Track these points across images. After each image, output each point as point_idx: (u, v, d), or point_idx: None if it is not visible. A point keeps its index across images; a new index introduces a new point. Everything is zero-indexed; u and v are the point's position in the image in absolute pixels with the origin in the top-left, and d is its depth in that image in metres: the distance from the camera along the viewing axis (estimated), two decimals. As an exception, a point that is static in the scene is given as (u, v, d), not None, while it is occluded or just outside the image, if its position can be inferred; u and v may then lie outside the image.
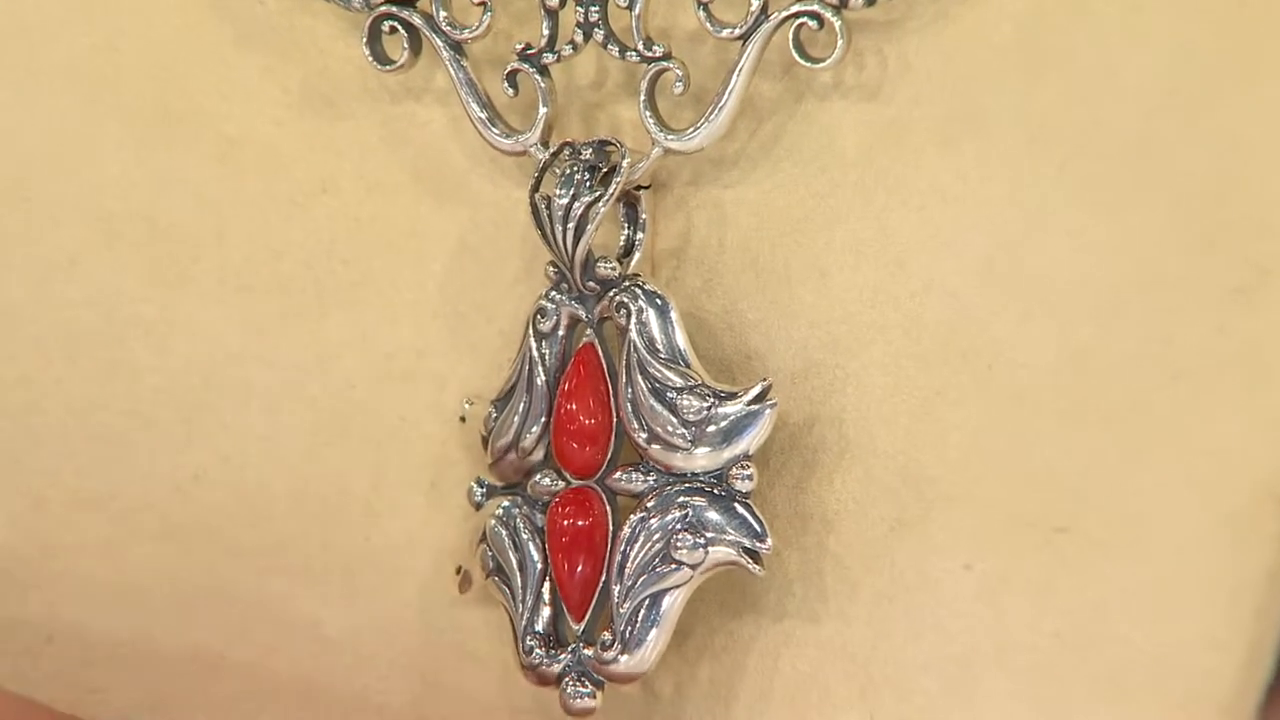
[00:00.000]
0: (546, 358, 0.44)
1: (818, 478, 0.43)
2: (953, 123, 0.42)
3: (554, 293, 0.44)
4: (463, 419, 0.45)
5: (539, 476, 0.44)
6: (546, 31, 0.44)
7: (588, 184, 0.43)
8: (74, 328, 0.48)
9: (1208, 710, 0.40)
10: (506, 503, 0.45)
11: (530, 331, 0.44)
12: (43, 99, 0.47)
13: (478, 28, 0.44)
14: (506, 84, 0.44)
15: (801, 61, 0.42)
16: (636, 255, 0.44)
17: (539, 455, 0.44)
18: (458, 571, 0.45)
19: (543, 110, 0.44)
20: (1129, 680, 0.41)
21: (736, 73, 0.42)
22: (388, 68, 0.44)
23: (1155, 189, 0.40)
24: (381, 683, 0.47)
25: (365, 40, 0.44)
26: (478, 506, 0.45)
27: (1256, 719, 0.40)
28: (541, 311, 0.44)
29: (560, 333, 0.44)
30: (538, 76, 0.44)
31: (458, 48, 0.44)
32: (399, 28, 0.44)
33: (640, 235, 0.44)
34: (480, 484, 0.45)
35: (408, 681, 0.47)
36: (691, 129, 0.43)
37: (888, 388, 0.42)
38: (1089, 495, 0.41)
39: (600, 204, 0.42)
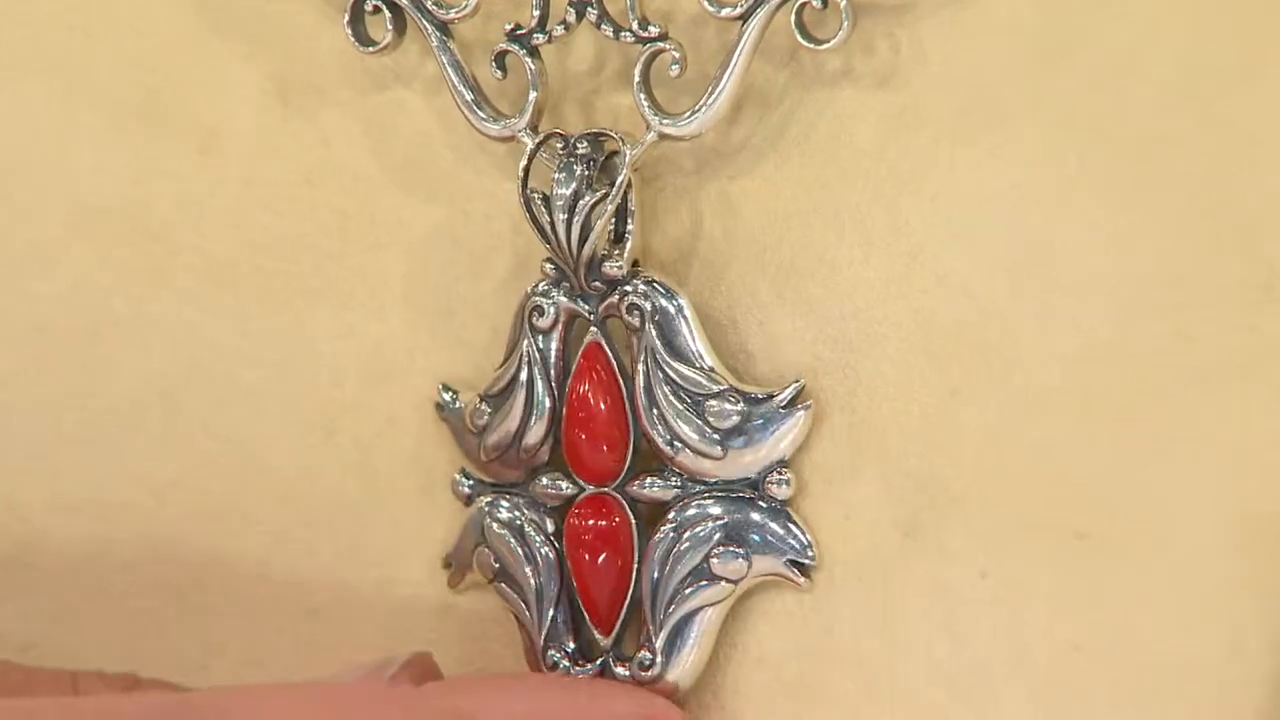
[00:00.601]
0: (546, 355, 0.43)
1: (826, 480, 0.42)
2: (968, 111, 0.41)
3: (551, 289, 0.43)
4: (439, 406, 0.44)
5: (542, 477, 0.43)
6: (537, 11, 0.42)
7: (588, 179, 0.41)
8: (48, 325, 0.47)
9: (1235, 723, 0.40)
10: (505, 503, 0.44)
11: (526, 329, 0.43)
12: (14, 88, 0.47)
13: (465, 7, 0.43)
14: (495, 66, 0.43)
15: (805, 43, 0.41)
16: (628, 245, 0.42)
17: (544, 455, 0.43)
18: (447, 565, 0.45)
19: (533, 94, 0.43)
20: (1151, 691, 0.40)
21: (736, 54, 0.41)
22: (370, 49, 0.43)
23: (1178, 182, 0.40)
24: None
25: (347, 20, 0.43)
26: (467, 500, 0.44)
27: (1284, 729, 0.40)
28: (538, 309, 0.43)
29: (558, 329, 0.43)
30: (528, 59, 0.43)
31: (444, 28, 0.43)
32: (382, 6, 0.43)
33: (630, 225, 0.42)
34: (467, 476, 0.44)
35: None
36: (689, 113, 0.42)
37: (900, 386, 0.42)
38: (1109, 499, 0.40)
39: (608, 201, 0.41)
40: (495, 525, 0.43)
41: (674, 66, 0.41)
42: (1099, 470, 0.40)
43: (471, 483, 0.44)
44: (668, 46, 0.41)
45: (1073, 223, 0.40)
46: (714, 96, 0.41)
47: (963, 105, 0.41)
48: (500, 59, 0.43)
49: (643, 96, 0.42)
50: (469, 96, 0.43)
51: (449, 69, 0.43)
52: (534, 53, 0.43)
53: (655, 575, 0.42)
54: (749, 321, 0.43)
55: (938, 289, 0.41)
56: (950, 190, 0.41)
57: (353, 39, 0.43)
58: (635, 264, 0.42)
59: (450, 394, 0.44)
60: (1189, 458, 0.40)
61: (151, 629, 0.47)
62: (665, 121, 0.41)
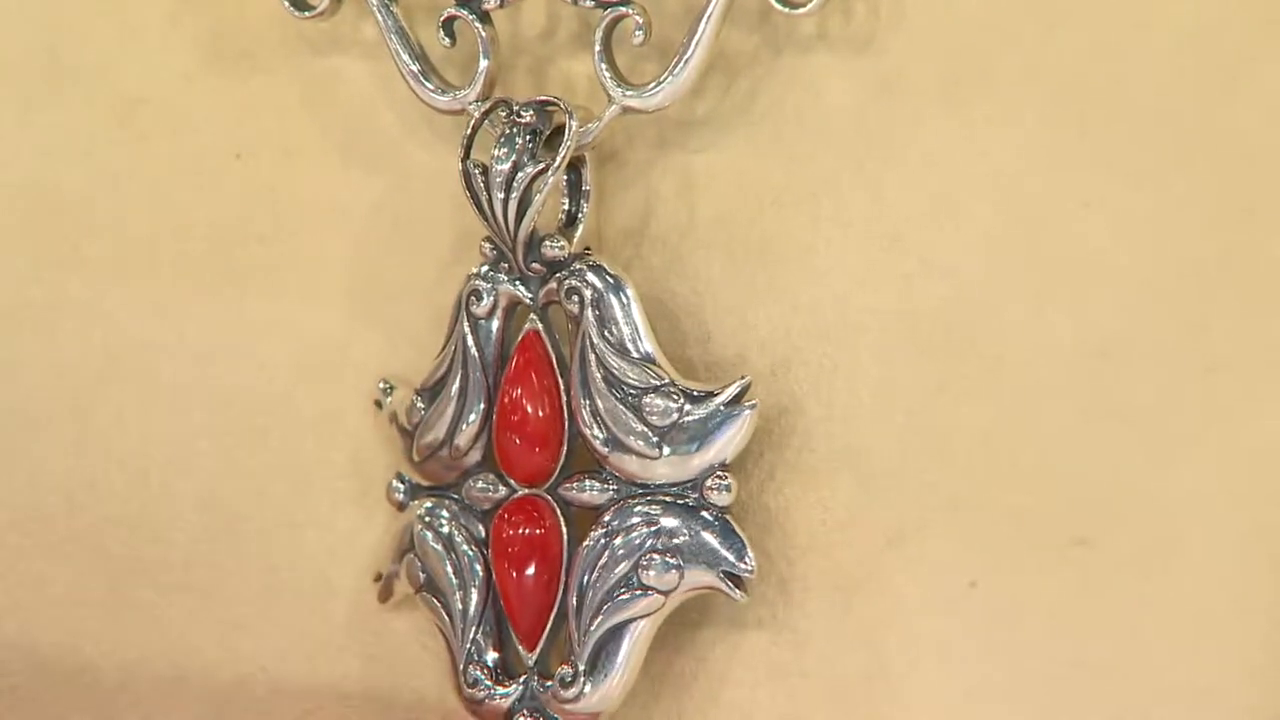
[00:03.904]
0: (483, 345, 0.41)
1: (802, 484, 0.40)
2: (956, 80, 0.39)
3: (491, 272, 0.40)
4: (378, 403, 0.42)
5: (475, 480, 0.41)
6: (488, -27, 0.41)
7: (530, 150, 0.39)
8: (-50, 316, 0.46)
9: (1247, 747, 0.38)
10: (437, 508, 0.41)
11: (463, 315, 0.41)
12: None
13: (410, -33, 0.41)
14: (442, 33, 0.41)
15: (779, 6, 0.39)
16: (580, 229, 0.40)
17: (475, 456, 0.41)
18: (377, 578, 0.43)
19: (483, 63, 0.41)
20: (1158, 714, 0.38)
21: (705, 19, 0.39)
22: (306, 14, 0.42)
23: (1187, 156, 0.38)
24: (304, 714, 0.44)
25: (280, -19, 0.42)
26: (401, 506, 0.42)
27: (1300, 755, 0.38)
28: (476, 293, 0.41)
29: (498, 317, 0.41)
30: (478, 25, 0.41)
31: (387, -11, 0.42)
32: (319, -34, 0.42)
33: (583, 206, 0.40)
34: (403, 480, 0.42)
35: (334, 712, 0.44)
36: (654, 84, 0.40)
37: (882, 381, 0.40)
38: (1112, 503, 0.38)
39: (548, 174, 0.39)
40: (425, 531, 0.41)
41: (637, 33, 0.39)
42: (1101, 472, 0.38)
43: (406, 487, 0.42)
44: (630, 11, 0.39)
45: (1072, 202, 0.38)
46: (681, 65, 0.39)
47: (949, 73, 0.39)
48: (448, 25, 0.41)
49: (604, 66, 0.40)
50: (415, 67, 0.41)
51: (392, 35, 0.41)
52: (485, 18, 0.40)
53: (582, 585, 0.40)
54: (717, 310, 0.41)
55: (923, 274, 0.39)
56: (936, 166, 0.39)
57: (287, 4, 0.41)
58: (588, 249, 0.40)
59: (389, 389, 0.42)
60: (1201, 458, 0.38)
61: (61, 647, 0.45)
62: (629, 93, 0.39)
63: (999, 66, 0.39)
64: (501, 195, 0.39)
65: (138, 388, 0.44)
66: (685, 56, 0.39)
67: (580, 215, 0.40)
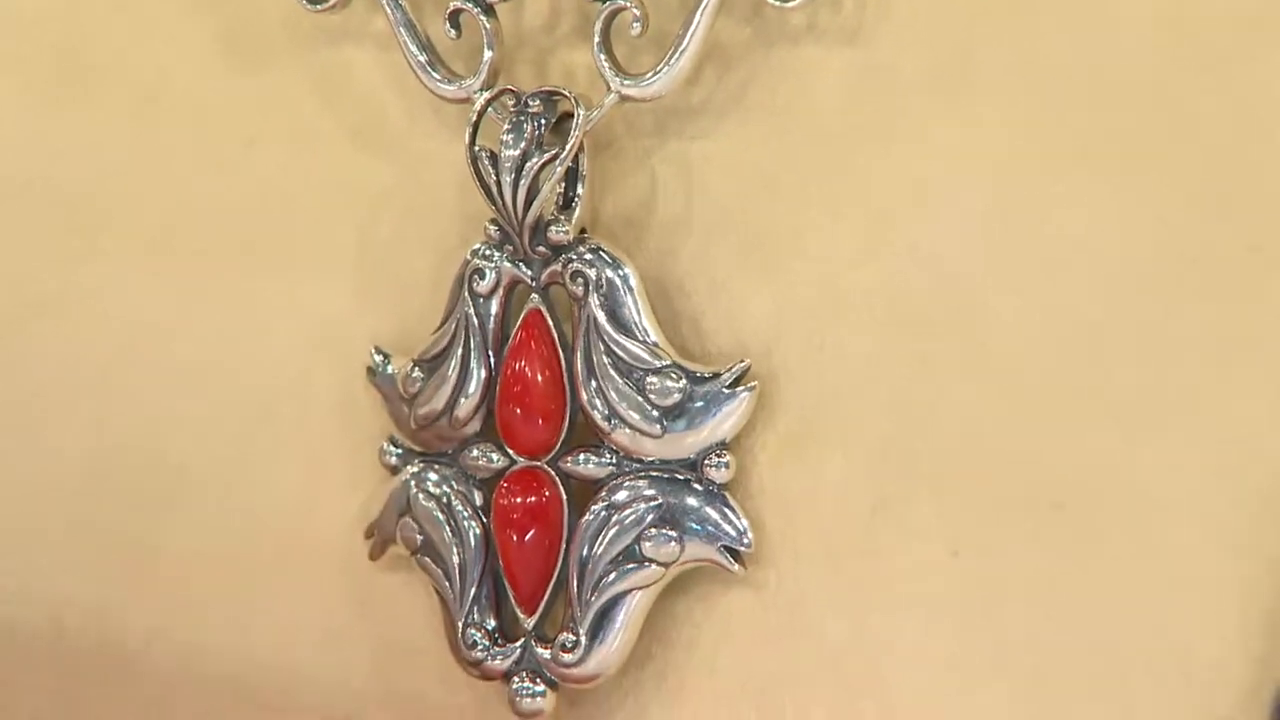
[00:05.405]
0: (484, 321, 0.41)
1: (790, 455, 0.41)
2: (942, 69, 0.39)
3: (492, 252, 0.41)
4: (371, 370, 0.43)
5: (473, 449, 0.42)
6: (493, -33, 0.41)
7: (538, 138, 0.40)
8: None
9: (1221, 710, 0.38)
10: (434, 474, 0.42)
11: (465, 292, 0.41)
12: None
13: (417, -38, 0.42)
14: (448, 25, 0.42)
15: None
16: (576, 211, 0.41)
17: (475, 427, 0.42)
18: (368, 535, 0.43)
19: (488, 54, 0.41)
20: (1138, 679, 0.38)
21: (700, 11, 0.40)
22: (319, 6, 0.42)
23: (1167, 143, 0.38)
24: (316, 691, 0.45)
25: (293, -24, 0.42)
26: (394, 470, 0.43)
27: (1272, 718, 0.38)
28: (478, 272, 0.41)
29: (499, 295, 0.41)
30: (483, 17, 0.41)
31: (395, -17, 0.42)
32: (330, -38, 0.42)
33: (579, 189, 0.41)
34: (395, 444, 0.43)
35: (345, 689, 0.44)
36: (651, 73, 0.40)
37: (868, 356, 0.40)
38: (1091, 477, 0.38)
39: (557, 162, 0.40)
40: (421, 496, 0.42)
41: (635, 25, 0.40)
42: (1081, 445, 0.38)
43: (400, 451, 0.43)
44: (628, 4, 0.40)
45: (1054, 187, 0.38)
46: (677, 55, 0.40)
47: (935, 63, 0.39)
48: (454, 18, 0.41)
49: (603, 56, 0.40)
50: (422, 57, 0.42)
51: (401, 28, 0.42)
52: (489, 11, 0.41)
53: (583, 555, 0.41)
54: (709, 289, 0.41)
55: (909, 256, 0.39)
56: (922, 154, 0.39)
57: (300, -4, 0.42)
58: (583, 230, 0.41)
59: (382, 357, 0.43)
60: (1178, 434, 0.38)
61: (80, 619, 0.45)
62: (626, 82, 0.40)
63: (985, 56, 0.39)
64: (510, 180, 0.40)
65: (153, 371, 0.44)
66: (681, 47, 0.40)
67: (576, 198, 0.41)
